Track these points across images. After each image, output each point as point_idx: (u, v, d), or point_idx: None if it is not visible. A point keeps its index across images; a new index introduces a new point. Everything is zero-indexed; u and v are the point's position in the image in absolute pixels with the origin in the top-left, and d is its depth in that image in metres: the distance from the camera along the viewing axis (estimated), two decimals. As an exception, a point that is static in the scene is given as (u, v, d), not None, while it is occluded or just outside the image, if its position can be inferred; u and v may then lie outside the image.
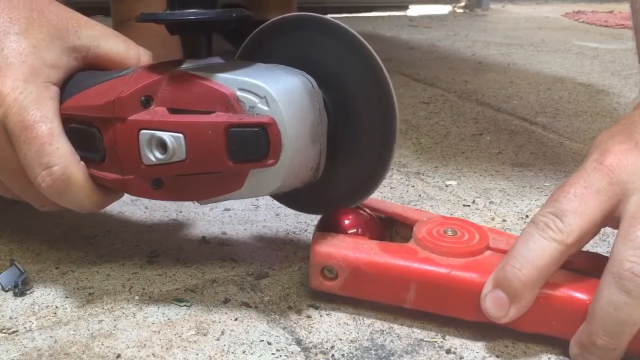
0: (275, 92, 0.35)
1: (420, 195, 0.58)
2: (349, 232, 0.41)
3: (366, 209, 0.43)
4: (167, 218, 0.52)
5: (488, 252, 0.39)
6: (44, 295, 0.40)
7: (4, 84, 0.37)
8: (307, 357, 0.36)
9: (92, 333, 0.37)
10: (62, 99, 0.39)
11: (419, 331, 0.38)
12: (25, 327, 0.37)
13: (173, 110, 0.37)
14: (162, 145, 0.37)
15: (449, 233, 0.40)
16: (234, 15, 0.37)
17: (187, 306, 0.40)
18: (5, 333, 0.36)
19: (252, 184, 0.37)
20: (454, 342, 0.37)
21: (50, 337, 0.36)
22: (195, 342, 0.36)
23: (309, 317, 0.39)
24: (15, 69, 0.38)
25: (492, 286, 0.36)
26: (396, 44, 1.37)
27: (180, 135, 0.36)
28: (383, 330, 0.38)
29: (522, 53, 1.30)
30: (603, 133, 0.40)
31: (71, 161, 0.38)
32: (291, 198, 0.43)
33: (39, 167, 0.38)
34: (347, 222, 0.41)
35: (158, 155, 0.37)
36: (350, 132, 0.39)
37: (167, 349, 0.36)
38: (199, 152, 0.36)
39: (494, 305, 0.36)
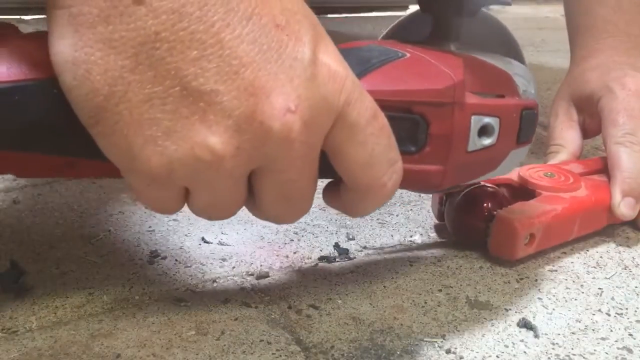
0: (533, 77, 0.39)
1: (420, 195, 0.57)
2: (496, 210, 0.46)
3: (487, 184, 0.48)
4: (167, 218, 0.52)
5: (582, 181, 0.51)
6: (44, 295, 0.40)
7: (336, 61, 0.29)
8: (307, 357, 0.36)
9: (92, 333, 0.37)
10: None
11: (418, 331, 0.38)
12: (25, 327, 0.37)
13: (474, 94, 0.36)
14: (484, 130, 0.36)
15: (549, 175, 0.51)
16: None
17: (187, 306, 0.40)
18: (5, 333, 0.36)
19: (504, 164, 0.39)
20: (454, 342, 0.37)
21: (50, 337, 0.36)
22: (195, 342, 0.36)
23: (309, 317, 0.39)
24: (330, 43, 0.30)
25: (621, 197, 0.50)
26: (396, 44, 1.37)
27: (497, 119, 0.36)
28: (383, 330, 0.38)
29: (522, 53, 1.30)
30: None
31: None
32: None
33: (386, 163, 0.31)
34: (490, 201, 0.47)
35: (483, 141, 0.36)
36: None
37: (167, 348, 0.36)
38: (505, 136, 0.37)
39: (628, 208, 0.50)
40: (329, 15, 1.76)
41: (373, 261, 0.46)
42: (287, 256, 0.46)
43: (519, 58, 0.43)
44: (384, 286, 0.43)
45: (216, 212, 0.32)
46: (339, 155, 0.31)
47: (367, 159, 0.31)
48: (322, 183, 0.34)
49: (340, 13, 1.80)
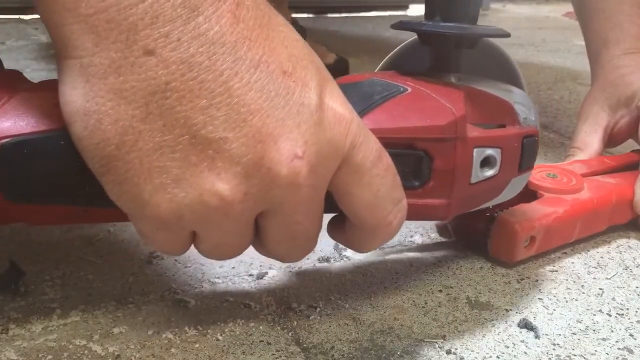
0: (533, 104, 0.40)
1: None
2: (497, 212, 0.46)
3: None
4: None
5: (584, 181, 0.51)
6: (43, 296, 0.40)
7: (341, 105, 0.30)
8: (307, 357, 0.35)
9: (91, 333, 0.37)
10: None
11: (419, 331, 0.38)
12: (24, 328, 0.37)
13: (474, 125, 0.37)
14: (486, 162, 0.37)
15: (552, 176, 0.51)
16: (496, 32, 0.38)
17: (186, 306, 0.40)
18: (4, 333, 0.36)
19: (507, 191, 0.39)
20: (454, 342, 0.37)
21: (50, 337, 0.36)
22: (195, 342, 0.36)
23: (308, 317, 0.39)
24: (335, 86, 0.30)
25: None
26: (396, 44, 1.37)
27: (499, 149, 0.36)
28: (383, 331, 0.38)
29: (522, 53, 1.30)
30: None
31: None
32: None
33: (391, 203, 0.32)
34: None
35: (485, 172, 0.37)
36: None
37: (166, 349, 0.36)
38: (506, 165, 0.37)
39: None
40: (329, 15, 1.76)
41: (373, 262, 0.46)
42: (287, 256, 0.46)
43: (519, 84, 0.43)
44: (384, 287, 0.43)
45: (223, 253, 0.33)
46: (345, 196, 0.31)
47: (373, 200, 0.31)
48: (326, 216, 0.34)
49: (340, 12, 1.80)
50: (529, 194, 0.49)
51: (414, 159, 0.35)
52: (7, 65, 0.33)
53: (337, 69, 0.93)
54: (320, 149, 0.29)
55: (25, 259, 0.44)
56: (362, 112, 0.33)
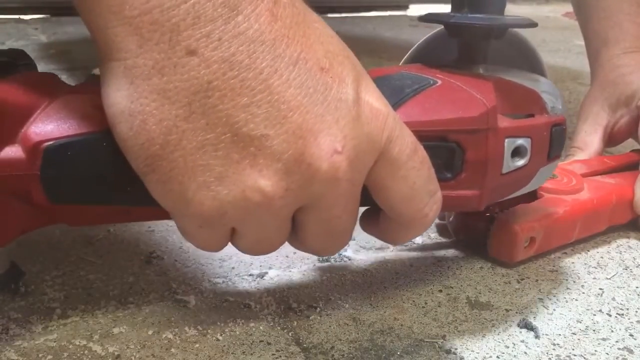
0: (559, 92, 0.40)
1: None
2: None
3: None
4: (167, 218, 0.51)
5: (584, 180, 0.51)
6: (44, 295, 0.40)
7: (377, 99, 0.30)
8: (307, 357, 0.35)
9: (91, 334, 0.37)
10: None
11: (419, 331, 0.38)
12: (24, 328, 0.37)
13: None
14: (517, 151, 0.37)
15: (552, 176, 0.49)
16: (525, 23, 0.39)
17: (186, 306, 0.40)
18: (4, 333, 0.36)
19: (535, 180, 0.39)
20: (454, 342, 0.37)
21: (50, 337, 0.36)
22: (195, 342, 0.36)
23: (308, 317, 0.39)
24: (370, 81, 0.31)
25: None
26: (396, 44, 1.37)
27: (529, 139, 0.37)
28: (383, 331, 0.38)
29: (522, 53, 1.30)
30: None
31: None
32: None
33: (427, 195, 0.32)
34: None
35: (516, 162, 0.37)
36: None
37: (166, 349, 0.36)
38: (536, 154, 0.37)
39: None
40: (329, 15, 1.76)
41: (373, 261, 0.46)
42: (287, 256, 0.46)
43: (543, 73, 0.44)
44: (384, 286, 0.43)
45: (261, 248, 0.33)
46: (381, 190, 0.32)
47: (409, 193, 0.32)
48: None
49: (340, 12, 1.80)
50: (529, 194, 0.49)
51: (446, 151, 0.35)
52: (7, 65, 0.33)
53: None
54: (358, 143, 0.29)
55: (25, 259, 0.44)
56: (394, 106, 0.33)
